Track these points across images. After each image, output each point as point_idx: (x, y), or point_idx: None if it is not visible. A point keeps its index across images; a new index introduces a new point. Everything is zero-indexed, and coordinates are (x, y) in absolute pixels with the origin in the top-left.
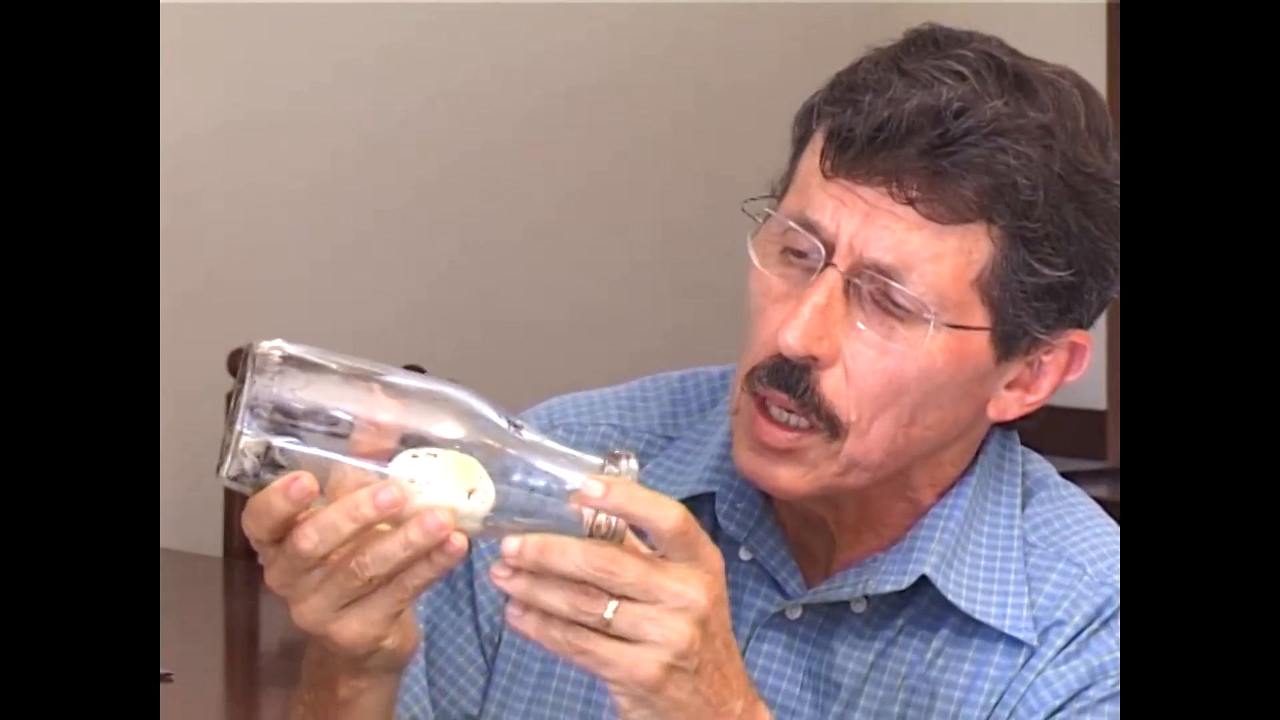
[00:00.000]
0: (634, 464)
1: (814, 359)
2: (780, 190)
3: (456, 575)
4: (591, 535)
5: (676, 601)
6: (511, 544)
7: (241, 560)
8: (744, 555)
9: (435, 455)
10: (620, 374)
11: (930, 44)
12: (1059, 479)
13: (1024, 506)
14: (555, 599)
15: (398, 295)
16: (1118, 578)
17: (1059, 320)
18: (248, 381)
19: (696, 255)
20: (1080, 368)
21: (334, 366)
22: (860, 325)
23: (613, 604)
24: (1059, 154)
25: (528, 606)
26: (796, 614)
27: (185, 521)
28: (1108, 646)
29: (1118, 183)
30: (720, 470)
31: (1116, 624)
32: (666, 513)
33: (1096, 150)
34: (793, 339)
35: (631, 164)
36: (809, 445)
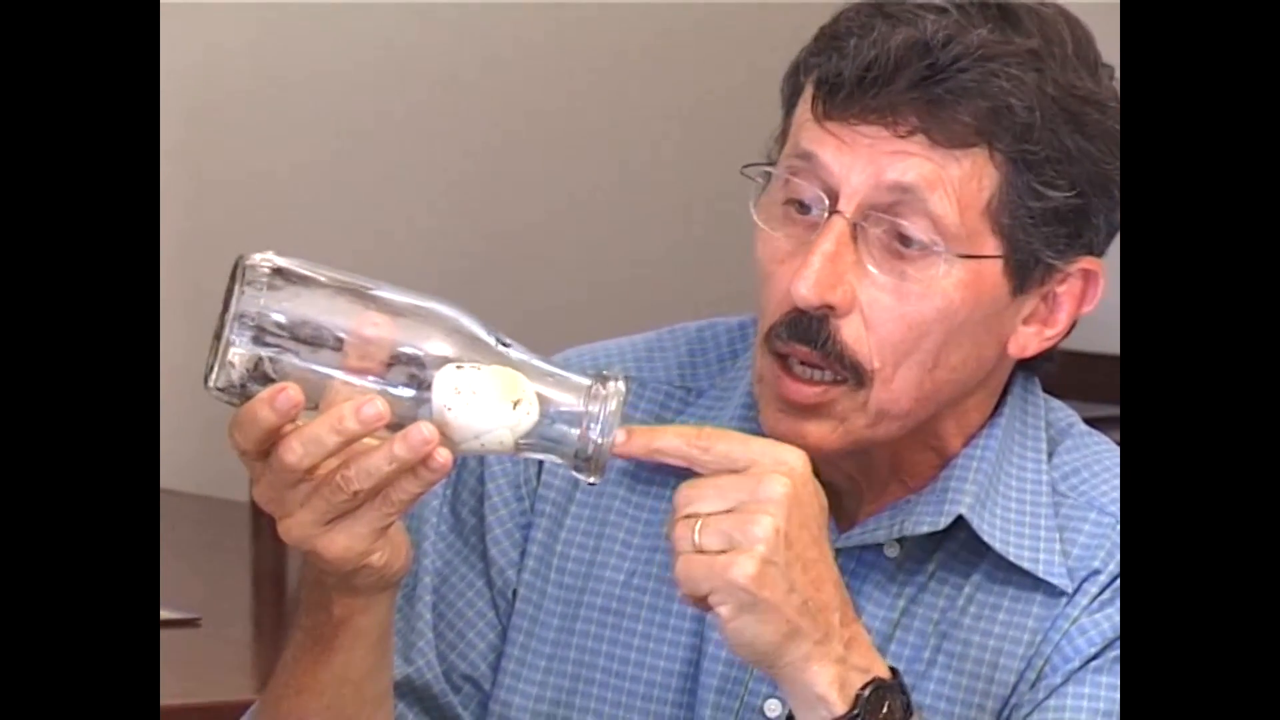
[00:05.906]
0: (622, 385)
1: (830, 308)
2: (776, 151)
3: (469, 529)
4: (577, 455)
5: (752, 504)
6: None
7: None
8: None
9: (479, 368)
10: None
11: None
12: (1084, 427)
13: (1051, 455)
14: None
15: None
16: None
17: (1070, 246)
18: (236, 293)
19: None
20: (1095, 297)
21: (324, 280)
22: (872, 269)
23: (696, 524)
24: (1050, 78)
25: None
26: None
27: (212, 469)
28: None
29: (1114, 104)
30: (743, 428)
31: None
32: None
33: (1086, 75)
34: (805, 289)
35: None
36: (835, 398)
